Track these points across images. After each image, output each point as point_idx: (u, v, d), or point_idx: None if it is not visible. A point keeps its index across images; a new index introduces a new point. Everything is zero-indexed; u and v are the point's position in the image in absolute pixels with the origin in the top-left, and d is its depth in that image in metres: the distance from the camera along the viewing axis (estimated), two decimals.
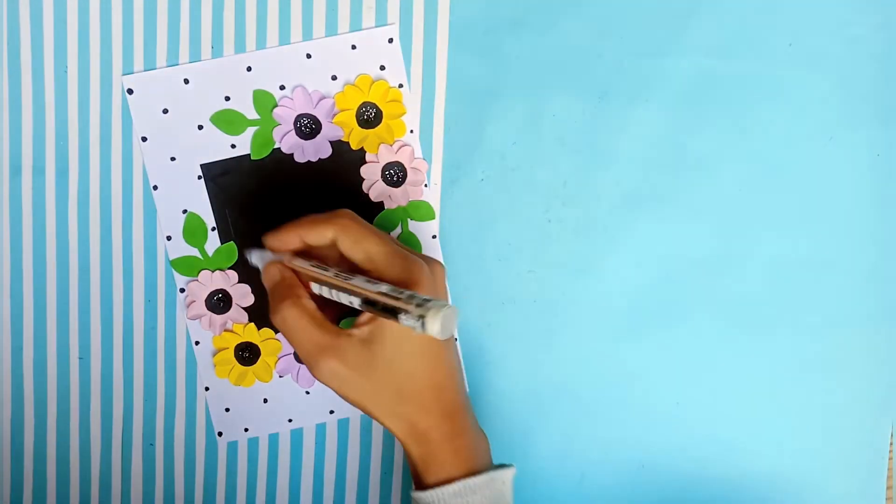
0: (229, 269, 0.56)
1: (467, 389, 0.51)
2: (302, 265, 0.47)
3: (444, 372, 0.47)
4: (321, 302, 0.47)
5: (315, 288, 0.47)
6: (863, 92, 0.56)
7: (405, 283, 0.45)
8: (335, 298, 0.46)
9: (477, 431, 0.50)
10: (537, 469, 0.59)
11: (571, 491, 0.59)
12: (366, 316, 0.46)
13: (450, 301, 0.50)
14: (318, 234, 0.47)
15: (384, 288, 0.43)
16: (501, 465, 0.50)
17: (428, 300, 0.41)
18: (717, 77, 0.56)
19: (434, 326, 0.40)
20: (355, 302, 0.44)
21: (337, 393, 0.46)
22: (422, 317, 0.41)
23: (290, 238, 0.47)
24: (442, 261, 0.57)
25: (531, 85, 0.56)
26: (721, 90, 0.56)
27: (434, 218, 0.56)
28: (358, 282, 0.45)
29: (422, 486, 0.48)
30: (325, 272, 0.46)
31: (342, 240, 0.46)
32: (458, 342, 0.57)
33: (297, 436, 0.58)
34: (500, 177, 0.56)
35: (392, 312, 0.42)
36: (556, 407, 0.58)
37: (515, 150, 0.56)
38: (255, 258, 0.50)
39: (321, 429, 0.58)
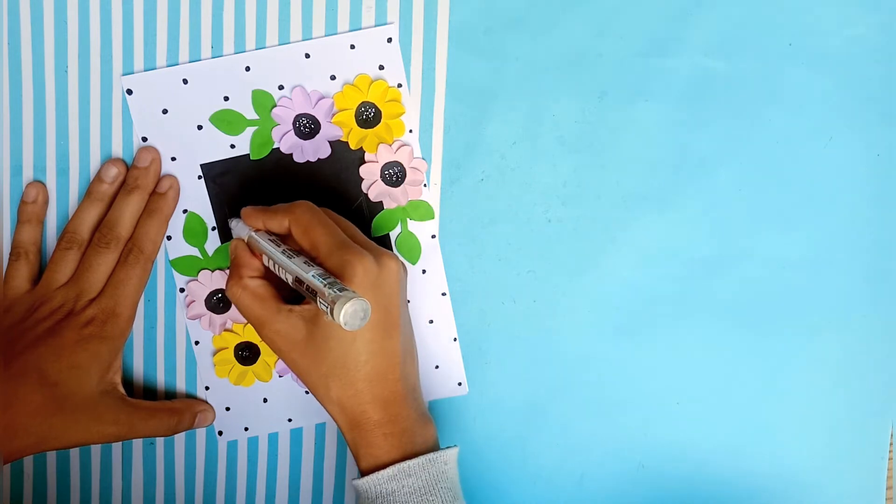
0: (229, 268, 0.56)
1: (417, 377, 0.51)
2: (259, 239, 0.50)
3: (381, 362, 0.48)
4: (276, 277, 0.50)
5: (265, 260, 0.50)
6: (863, 92, 0.56)
7: (340, 273, 0.47)
8: (278, 274, 0.48)
9: (417, 419, 0.49)
10: (537, 469, 0.59)
11: (571, 491, 0.59)
12: None
13: (403, 297, 0.50)
14: (277, 222, 0.50)
15: (313, 272, 0.46)
16: (445, 448, 0.50)
17: (344, 291, 0.43)
18: (717, 77, 0.56)
19: (339, 315, 0.43)
20: (289, 279, 0.47)
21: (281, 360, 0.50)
22: (332, 304, 0.43)
23: (255, 219, 0.51)
24: (442, 261, 0.57)
25: (531, 85, 0.56)
26: (721, 90, 0.56)
27: (433, 218, 0.56)
28: (296, 261, 0.47)
29: (358, 472, 0.49)
30: (275, 248, 0.49)
31: (294, 228, 0.49)
32: (456, 342, 0.58)
33: (296, 435, 0.58)
34: (500, 177, 0.56)
35: (313, 297, 0.45)
36: (556, 407, 0.58)
37: (515, 150, 0.56)
38: (234, 226, 0.53)
39: (321, 428, 0.58)
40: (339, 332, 0.47)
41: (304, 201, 0.50)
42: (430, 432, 0.50)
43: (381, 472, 0.47)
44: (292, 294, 0.49)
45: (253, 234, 0.51)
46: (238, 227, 0.52)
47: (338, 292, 0.43)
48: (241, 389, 0.57)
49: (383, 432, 0.48)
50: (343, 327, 0.43)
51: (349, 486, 0.58)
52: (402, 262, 0.50)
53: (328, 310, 0.43)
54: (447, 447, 0.50)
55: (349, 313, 0.43)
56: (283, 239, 0.50)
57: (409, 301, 0.55)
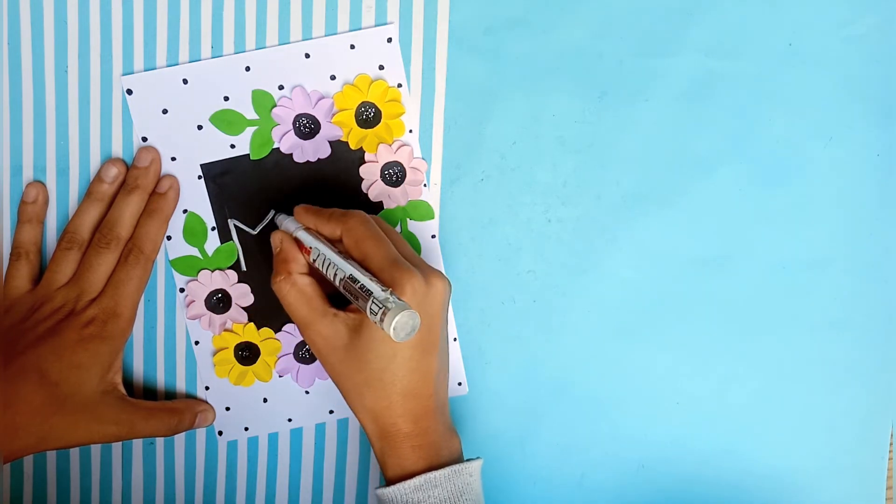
0: (229, 268, 0.56)
1: (447, 392, 0.51)
2: (311, 236, 0.50)
3: (418, 379, 0.48)
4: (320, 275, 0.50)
5: (313, 255, 0.49)
6: (863, 92, 0.56)
7: (389, 288, 0.46)
8: (325, 273, 0.48)
9: (444, 432, 0.50)
10: (537, 469, 0.59)
11: (571, 491, 0.59)
12: None
13: (444, 311, 0.51)
14: (330, 228, 0.50)
15: (367, 277, 0.46)
16: (469, 460, 0.50)
17: (399, 301, 0.44)
18: (717, 77, 0.56)
19: (389, 323, 0.43)
20: (338, 279, 0.47)
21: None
22: (382, 312, 0.43)
23: (307, 219, 0.51)
24: (442, 261, 0.57)
25: (531, 85, 0.56)
26: (721, 90, 0.56)
27: (433, 218, 0.56)
28: (352, 263, 0.47)
29: (385, 480, 0.50)
30: (329, 247, 0.49)
31: (346, 238, 0.49)
32: (456, 342, 0.58)
33: (296, 435, 0.58)
34: (500, 177, 0.56)
35: (364, 299, 0.45)
36: (556, 406, 0.58)
37: (515, 150, 0.56)
38: (280, 220, 0.53)
39: (321, 428, 0.58)
40: (381, 346, 0.47)
41: (360, 212, 0.50)
42: (456, 445, 0.51)
43: (408, 481, 0.48)
44: (333, 297, 0.50)
45: (303, 230, 0.51)
46: (286, 222, 0.52)
47: (395, 300, 0.44)
48: (241, 389, 0.57)
49: (411, 444, 0.49)
50: (390, 335, 0.43)
51: (349, 486, 0.58)
52: (448, 281, 0.50)
53: (379, 315, 0.43)
54: (470, 459, 0.50)
55: (400, 324, 0.43)
56: (331, 243, 0.50)
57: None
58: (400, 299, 0.44)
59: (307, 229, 0.51)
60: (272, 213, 0.55)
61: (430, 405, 0.49)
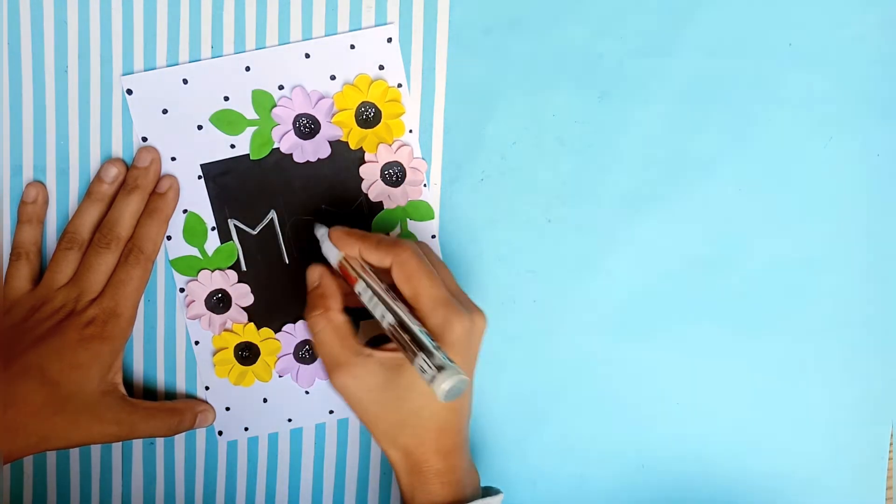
0: (229, 268, 0.56)
1: (469, 431, 0.51)
2: (358, 269, 0.49)
3: (451, 416, 0.48)
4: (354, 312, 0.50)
5: (359, 286, 0.48)
6: (863, 92, 0.56)
7: (440, 333, 0.46)
8: (369, 307, 0.47)
9: (468, 469, 0.50)
10: (537, 469, 0.59)
11: (571, 491, 0.59)
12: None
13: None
14: (378, 257, 0.49)
15: (418, 327, 0.45)
16: (488, 493, 0.50)
17: (449, 363, 0.42)
18: (717, 77, 0.56)
19: (440, 388, 0.42)
20: (385, 320, 0.46)
21: (347, 404, 0.49)
22: (434, 374, 0.42)
23: (351, 247, 0.50)
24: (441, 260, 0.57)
25: (531, 85, 0.56)
26: (721, 90, 0.56)
27: (433, 218, 0.56)
28: (401, 306, 0.46)
29: None
30: (378, 285, 0.47)
31: (396, 271, 0.48)
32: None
33: (296, 435, 0.58)
34: (500, 177, 0.56)
35: (413, 351, 0.44)
36: (556, 407, 0.58)
37: (515, 150, 0.56)
38: (320, 236, 0.52)
39: (321, 428, 0.58)
40: (418, 385, 0.47)
41: (410, 243, 0.49)
42: (476, 480, 0.51)
43: None
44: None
45: (352, 259, 0.49)
46: (327, 246, 0.51)
47: (447, 361, 0.43)
48: (241, 389, 0.57)
49: (441, 481, 0.48)
50: (437, 397, 0.42)
51: (349, 486, 0.58)
52: (485, 317, 0.49)
53: (430, 375, 0.42)
54: (488, 490, 0.51)
55: (453, 390, 0.42)
56: (376, 271, 0.49)
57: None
58: (451, 361, 0.43)
59: (351, 257, 0.49)
60: (272, 213, 0.55)
61: (458, 441, 0.49)
